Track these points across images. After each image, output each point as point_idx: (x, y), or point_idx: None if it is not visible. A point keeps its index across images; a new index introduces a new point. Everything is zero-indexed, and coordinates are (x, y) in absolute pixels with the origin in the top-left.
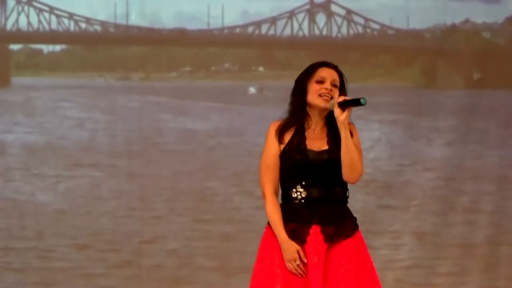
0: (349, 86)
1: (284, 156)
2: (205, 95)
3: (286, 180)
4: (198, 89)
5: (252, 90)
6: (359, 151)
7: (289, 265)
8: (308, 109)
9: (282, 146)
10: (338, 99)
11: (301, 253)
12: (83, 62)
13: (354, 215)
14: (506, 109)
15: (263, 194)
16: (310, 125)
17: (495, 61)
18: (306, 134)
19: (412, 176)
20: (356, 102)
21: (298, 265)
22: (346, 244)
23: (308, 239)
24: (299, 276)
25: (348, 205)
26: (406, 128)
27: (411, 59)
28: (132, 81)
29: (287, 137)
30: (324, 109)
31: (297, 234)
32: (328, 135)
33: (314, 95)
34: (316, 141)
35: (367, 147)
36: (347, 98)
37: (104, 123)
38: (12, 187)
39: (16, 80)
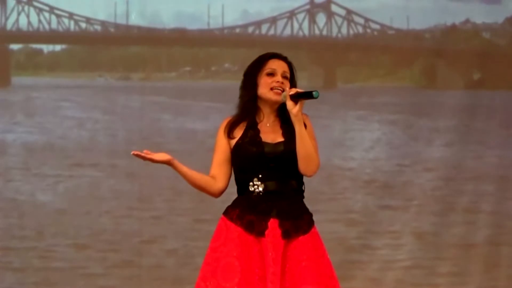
0: (349, 86)
1: (238, 150)
2: (205, 95)
3: (242, 174)
4: (198, 89)
5: None
6: (314, 143)
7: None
8: (259, 103)
9: (234, 141)
10: (290, 91)
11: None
12: (83, 62)
13: (354, 215)
14: (507, 110)
15: None
16: (261, 119)
17: (495, 62)
18: (258, 127)
19: (412, 176)
20: (308, 95)
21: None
22: (303, 240)
23: (266, 232)
24: (255, 269)
25: (348, 205)
26: (406, 128)
27: (411, 59)
28: (132, 81)
29: (238, 132)
30: (275, 102)
31: (254, 227)
32: (281, 127)
33: (266, 89)
34: (270, 134)
35: (367, 147)
36: (299, 90)
37: (104, 123)
38: (12, 187)
39: (16, 80)
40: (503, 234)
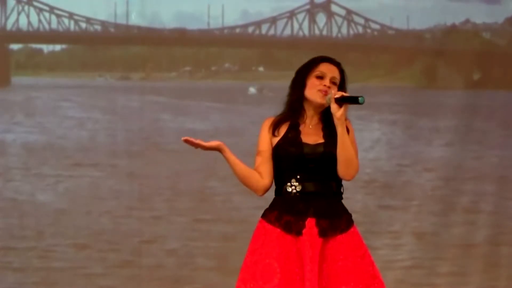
0: (349, 86)
1: (278, 149)
2: (205, 95)
3: (280, 174)
4: (198, 89)
5: (252, 90)
6: (355, 147)
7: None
8: (304, 103)
9: (276, 140)
10: (335, 94)
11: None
12: (83, 62)
13: (354, 215)
14: (507, 110)
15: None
16: (305, 120)
17: (495, 62)
18: (300, 128)
19: (412, 176)
20: (353, 100)
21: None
22: (341, 239)
23: (304, 231)
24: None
25: (348, 205)
26: (406, 128)
27: (411, 59)
28: (132, 81)
29: (282, 130)
30: (320, 105)
31: (292, 227)
32: (323, 130)
33: (313, 90)
34: (311, 136)
35: (367, 147)
36: (345, 94)
37: (104, 123)
38: (12, 186)
39: (16, 79)
40: (503, 234)
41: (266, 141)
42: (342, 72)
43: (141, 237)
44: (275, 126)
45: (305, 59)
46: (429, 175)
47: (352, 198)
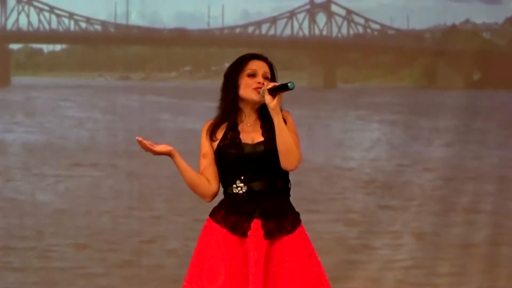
0: (349, 86)
1: (219, 152)
2: (205, 95)
3: (225, 176)
4: (198, 89)
5: None
6: (295, 136)
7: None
8: (240, 103)
9: (216, 144)
10: (267, 85)
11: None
12: (83, 61)
13: (354, 215)
14: (507, 110)
15: None
16: (242, 119)
17: (495, 62)
18: (239, 128)
19: (412, 176)
20: (284, 87)
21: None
22: (288, 240)
23: (249, 233)
24: (240, 272)
25: (348, 205)
26: (406, 128)
27: (411, 59)
28: (132, 81)
29: (220, 133)
30: (257, 102)
31: (237, 227)
32: (262, 127)
33: (248, 89)
34: (250, 134)
35: (367, 147)
36: (276, 84)
37: (104, 123)
38: (12, 186)
39: (16, 79)
40: (503, 234)
41: (206, 145)
42: (271, 66)
43: (141, 237)
44: (212, 131)
45: (305, 59)
46: (429, 175)
47: (352, 198)
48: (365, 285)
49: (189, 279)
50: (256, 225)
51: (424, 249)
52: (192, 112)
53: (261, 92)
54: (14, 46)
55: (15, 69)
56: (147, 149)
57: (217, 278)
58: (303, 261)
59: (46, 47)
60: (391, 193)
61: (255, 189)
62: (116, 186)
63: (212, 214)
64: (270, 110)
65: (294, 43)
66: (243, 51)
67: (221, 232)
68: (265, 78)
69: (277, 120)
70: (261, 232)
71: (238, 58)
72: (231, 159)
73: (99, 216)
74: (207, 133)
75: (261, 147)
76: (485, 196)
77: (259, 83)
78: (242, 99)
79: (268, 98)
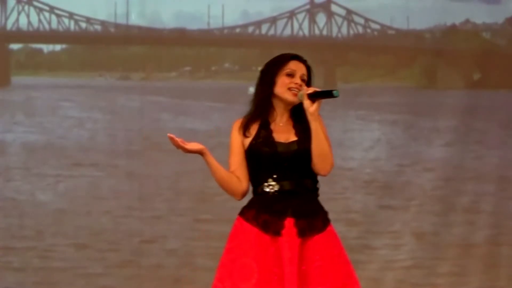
0: (349, 86)
1: (252, 150)
2: (205, 95)
3: (257, 175)
4: (198, 89)
5: (252, 90)
6: (329, 143)
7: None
8: (273, 101)
9: (248, 140)
10: (308, 90)
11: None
12: (83, 61)
13: (354, 215)
14: (506, 110)
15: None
16: (274, 118)
17: (495, 62)
18: (271, 127)
19: (412, 176)
20: (327, 94)
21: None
22: (318, 239)
23: (283, 232)
24: (273, 271)
25: (348, 205)
26: (406, 128)
27: (411, 59)
28: (132, 80)
29: (253, 130)
30: (291, 102)
31: (270, 226)
32: (294, 126)
33: (283, 88)
34: (283, 134)
35: (367, 147)
36: (318, 89)
37: (104, 123)
38: (12, 186)
39: (16, 79)
40: (503, 234)
41: (238, 143)
42: (309, 69)
43: (141, 237)
44: (245, 126)
45: (305, 59)
46: (429, 175)
47: (352, 198)
48: (365, 285)
49: (219, 277)
50: (289, 223)
51: (424, 249)
52: (192, 112)
53: (299, 94)
54: (14, 46)
55: (15, 69)
56: (179, 146)
57: (250, 277)
58: (332, 260)
59: (46, 47)
60: (391, 193)
61: (286, 188)
62: (116, 186)
63: (242, 213)
64: (308, 114)
65: (294, 43)
66: (243, 51)
67: (252, 231)
68: (302, 80)
69: (315, 126)
70: (294, 231)
71: (278, 56)
72: (264, 157)
73: (99, 216)
74: (239, 130)
75: (295, 146)
76: (485, 196)
77: (295, 84)
78: (276, 97)
79: (307, 103)
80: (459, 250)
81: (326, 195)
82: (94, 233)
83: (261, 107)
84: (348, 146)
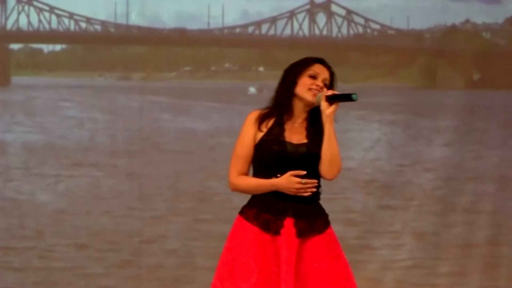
0: (349, 86)
1: (261, 145)
2: (205, 95)
3: (261, 171)
4: (198, 89)
5: (252, 90)
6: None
7: (294, 188)
8: (293, 101)
9: (261, 135)
10: (326, 92)
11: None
12: (83, 61)
13: (354, 215)
14: (507, 110)
15: (229, 182)
16: (291, 118)
17: (495, 62)
18: (285, 126)
19: (412, 176)
20: (346, 97)
21: (299, 182)
22: (317, 240)
23: (282, 231)
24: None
25: (348, 205)
26: (406, 128)
27: (411, 59)
28: (132, 80)
29: (267, 126)
30: (310, 103)
31: (270, 226)
32: (307, 129)
33: (304, 88)
34: (295, 134)
35: (367, 147)
36: (336, 92)
37: (104, 123)
38: (12, 186)
39: (16, 79)
40: (503, 234)
41: (250, 136)
42: (332, 75)
43: (141, 237)
44: (261, 120)
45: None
46: (429, 175)
47: (352, 198)
48: (365, 285)
49: (219, 277)
50: (288, 223)
51: (424, 249)
52: (192, 112)
53: (317, 96)
54: (14, 46)
55: (15, 69)
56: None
57: (249, 276)
58: (331, 262)
59: (46, 47)
60: (391, 193)
61: None
62: (116, 186)
63: (243, 212)
64: (324, 116)
65: (294, 43)
66: (243, 51)
67: (252, 230)
68: (324, 84)
69: (329, 128)
70: (293, 231)
71: (304, 58)
72: (271, 155)
73: (99, 216)
74: (255, 122)
75: (303, 149)
76: (485, 196)
77: (317, 85)
78: (296, 97)
79: (324, 105)
80: (459, 250)
81: (326, 195)
82: (94, 233)
83: (280, 105)
84: (348, 146)
